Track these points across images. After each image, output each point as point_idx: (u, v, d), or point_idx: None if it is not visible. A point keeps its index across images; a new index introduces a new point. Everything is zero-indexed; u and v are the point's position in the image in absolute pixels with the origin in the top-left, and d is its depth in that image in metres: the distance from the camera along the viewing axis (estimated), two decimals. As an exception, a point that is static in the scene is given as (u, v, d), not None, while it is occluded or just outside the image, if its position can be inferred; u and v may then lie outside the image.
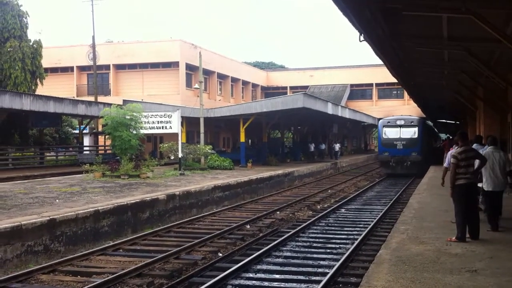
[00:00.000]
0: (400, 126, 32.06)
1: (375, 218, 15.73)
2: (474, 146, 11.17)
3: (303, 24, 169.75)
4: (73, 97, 42.04)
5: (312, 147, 42.72)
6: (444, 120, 49.56)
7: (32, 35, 51.84)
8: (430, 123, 47.49)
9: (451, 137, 35.29)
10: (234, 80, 55.56)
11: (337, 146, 45.13)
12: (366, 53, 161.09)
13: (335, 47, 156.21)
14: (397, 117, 34.53)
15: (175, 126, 25.01)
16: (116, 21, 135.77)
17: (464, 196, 9.32)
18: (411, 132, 31.69)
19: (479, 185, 10.30)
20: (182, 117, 26.93)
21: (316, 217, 16.23)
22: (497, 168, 10.07)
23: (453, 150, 11.24)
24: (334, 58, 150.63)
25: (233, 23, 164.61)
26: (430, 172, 27.18)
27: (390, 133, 32.10)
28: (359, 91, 63.00)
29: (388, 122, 33.07)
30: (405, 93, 48.76)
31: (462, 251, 8.51)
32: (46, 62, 38.86)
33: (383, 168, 33.74)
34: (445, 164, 12.34)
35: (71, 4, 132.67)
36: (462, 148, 9.57)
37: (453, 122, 47.06)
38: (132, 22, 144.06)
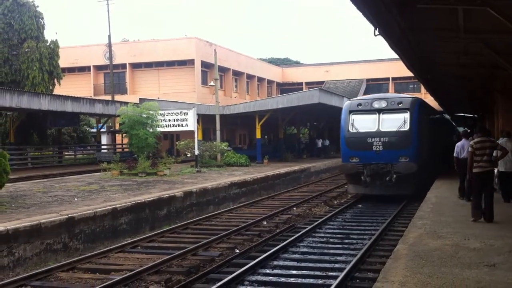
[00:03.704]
0: (379, 111, 18.43)
1: (392, 213, 15.64)
2: (503, 140, 13.15)
3: (317, 18, 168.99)
4: (90, 96, 42.52)
5: (319, 143, 42.42)
6: (462, 114, 49.05)
7: (48, 35, 52.44)
8: (447, 116, 46.69)
9: (468, 130, 31.51)
10: (250, 77, 55.57)
11: None
12: (382, 47, 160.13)
13: (350, 42, 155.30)
14: (375, 96, 20.30)
15: (191, 123, 25.16)
16: (130, 18, 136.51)
17: (477, 183, 10.64)
18: (398, 121, 18.13)
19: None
20: (198, 114, 27.02)
21: (333, 212, 16.18)
22: (510, 154, 12.38)
23: (463, 141, 13.87)
24: (350, 53, 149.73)
25: (246, 19, 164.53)
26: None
27: (362, 123, 18.59)
28: (375, 86, 62.57)
29: (359, 105, 19.00)
30: (422, 87, 48.33)
31: (480, 245, 8.44)
32: (63, 62, 39.22)
33: (351, 185, 19.34)
34: (454, 154, 14.12)
35: (87, 4, 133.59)
36: (478, 138, 10.90)
37: (471, 115, 46.57)
38: (145, 19, 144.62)
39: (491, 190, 10.78)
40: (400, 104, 18.51)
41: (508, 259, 7.53)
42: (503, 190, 13.63)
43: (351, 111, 18.94)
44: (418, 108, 18.67)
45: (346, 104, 19.89)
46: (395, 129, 18.10)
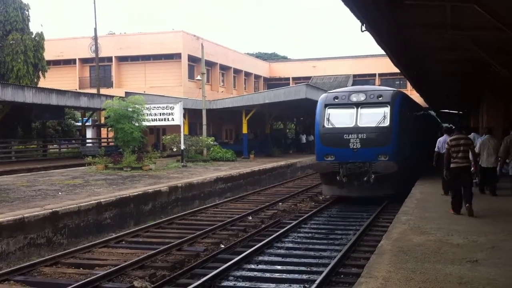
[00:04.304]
0: (357, 105, 16.91)
1: (377, 209, 15.68)
2: (485, 137, 14.07)
3: (305, 13, 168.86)
4: (76, 89, 42.16)
5: (304, 138, 42.34)
6: (447, 110, 49.39)
7: (34, 27, 51.89)
8: (433, 112, 46.81)
9: (453, 127, 30.91)
10: (237, 71, 55.45)
11: None
12: (369, 43, 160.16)
13: (338, 38, 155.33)
14: (353, 89, 18.93)
15: (177, 118, 25.07)
16: (117, 12, 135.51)
17: (454, 177, 11.27)
18: (378, 116, 16.63)
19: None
20: (184, 109, 26.91)
21: (318, 208, 16.22)
22: (491, 151, 13.49)
23: (445, 136, 14.21)
24: (337, 48, 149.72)
25: (234, 13, 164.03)
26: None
27: (338, 118, 17.03)
28: (362, 82, 62.56)
29: (335, 97, 17.45)
30: (408, 83, 48.56)
31: (463, 241, 8.50)
32: (48, 55, 38.80)
33: (325, 187, 17.79)
34: (436, 149, 14.65)
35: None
36: (454, 136, 11.55)
37: (456, 112, 46.92)
38: (133, 13, 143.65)
39: (469, 184, 11.26)
40: (380, 97, 16.93)
41: (490, 255, 7.59)
42: (482, 184, 14.27)
43: (327, 105, 17.29)
44: (399, 102, 17.08)
45: (321, 97, 18.08)
46: (374, 125, 16.55)
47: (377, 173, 16.02)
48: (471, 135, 14.20)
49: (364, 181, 16.19)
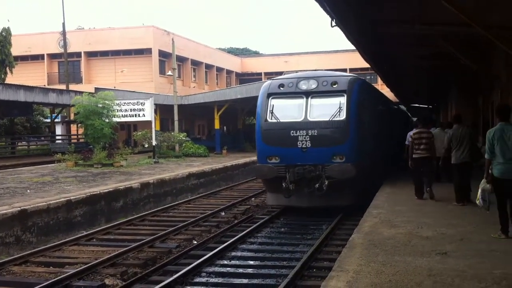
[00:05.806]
0: (307, 94, 13.75)
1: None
2: (436, 130, 14.78)
3: (277, 8, 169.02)
4: (44, 85, 41.40)
5: None
6: (417, 104, 50.02)
7: (0, 22, 50.78)
8: (403, 107, 47.28)
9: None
10: (208, 66, 55.20)
11: None
12: (340, 39, 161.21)
13: (310, 33, 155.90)
14: (301, 75, 14.78)
15: (148, 113, 24.89)
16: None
17: (416, 167, 12.35)
18: (333, 108, 13.46)
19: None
20: (155, 104, 26.74)
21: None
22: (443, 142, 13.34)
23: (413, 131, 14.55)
24: (310, 43, 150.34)
25: (205, 8, 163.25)
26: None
27: (284, 110, 13.88)
28: (334, 77, 62.94)
29: (281, 85, 14.14)
30: (379, 78, 48.96)
31: (432, 234, 8.62)
32: (15, 50, 38.06)
33: (270, 195, 14.43)
34: (406, 142, 15.07)
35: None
36: (417, 129, 12.72)
37: (426, 106, 47.55)
38: (103, 7, 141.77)
39: (429, 172, 12.43)
40: (334, 84, 13.70)
41: (459, 247, 7.71)
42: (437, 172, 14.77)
43: (270, 94, 14.02)
44: (358, 91, 13.85)
45: (264, 85, 14.75)
46: (327, 119, 13.37)
47: (331, 178, 13.05)
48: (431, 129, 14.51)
49: (315, 188, 13.18)
